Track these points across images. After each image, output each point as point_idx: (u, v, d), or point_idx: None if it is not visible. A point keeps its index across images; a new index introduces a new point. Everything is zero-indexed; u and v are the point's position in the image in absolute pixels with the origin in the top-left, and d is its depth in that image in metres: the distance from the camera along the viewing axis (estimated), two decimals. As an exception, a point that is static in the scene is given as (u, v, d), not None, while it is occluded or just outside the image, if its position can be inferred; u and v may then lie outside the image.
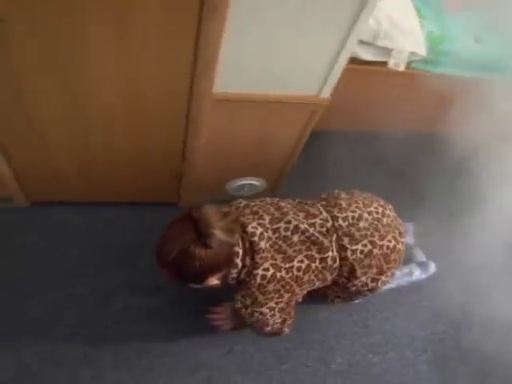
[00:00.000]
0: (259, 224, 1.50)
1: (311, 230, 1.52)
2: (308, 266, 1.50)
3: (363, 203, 1.66)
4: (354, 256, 1.56)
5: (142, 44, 1.44)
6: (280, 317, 1.59)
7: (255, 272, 1.43)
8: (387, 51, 2.18)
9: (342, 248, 1.55)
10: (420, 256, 2.40)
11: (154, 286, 2.09)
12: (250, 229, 1.47)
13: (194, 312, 2.06)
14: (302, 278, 1.50)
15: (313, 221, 1.55)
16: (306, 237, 1.51)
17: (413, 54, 2.24)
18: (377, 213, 1.65)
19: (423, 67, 2.32)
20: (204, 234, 1.25)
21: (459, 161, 2.60)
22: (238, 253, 1.42)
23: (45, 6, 1.27)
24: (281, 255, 1.47)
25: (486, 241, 2.37)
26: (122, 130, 1.78)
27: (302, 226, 1.52)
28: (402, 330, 2.26)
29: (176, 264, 1.31)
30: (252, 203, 1.61)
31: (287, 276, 1.46)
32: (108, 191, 2.18)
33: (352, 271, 1.59)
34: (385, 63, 2.22)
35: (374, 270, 1.62)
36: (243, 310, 1.55)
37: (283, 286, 1.47)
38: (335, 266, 1.56)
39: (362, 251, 1.57)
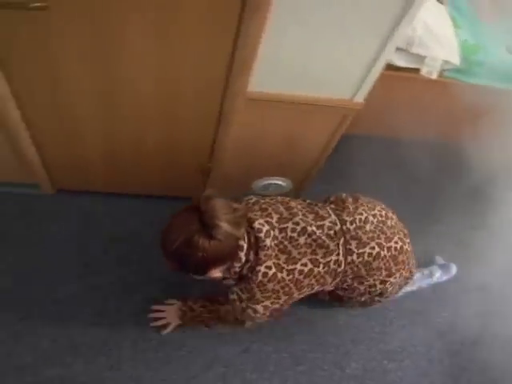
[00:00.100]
0: (266, 222, 1.47)
1: (318, 232, 1.49)
2: (311, 271, 1.47)
3: (367, 206, 1.64)
4: (361, 259, 1.54)
5: (180, 39, 1.43)
6: (268, 316, 1.57)
7: (258, 268, 1.41)
8: (420, 58, 2.16)
9: (348, 252, 1.53)
10: (439, 260, 2.38)
11: (176, 280, 2.09)
12: (256, 225, 1.45)
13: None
14: (302, 282, 1.48)
15: (321, 223, 1.53)
16: (313, 239, 1.48)
17: (446, 62, 2.21)
18: (381, 215, 1.64)
19: (455, 76, 2.30)
20: (209, 225, 1.23)
21: (482, 174, 2.57)
22: (242, 247, 1.39)
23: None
24: (285, 256, 1.44)
25: (506, 253, 2.35)
26: (153, 121, 1.77)
27: (310, 229, 1.49)
28: (418, 339, 2.24)
29: (179, 253, 1.29)
30: (262, 200, 1.59)
31: (288, 278, 1.44)
32: (134, 183, 2.18)
33: (358, 275, 1.58)
34: (417, 70, 2.20)
35: (384, 273, 1.60)
36: (237, 302, 1.52)
37: (282, 288, 1.45)
38: (339, 270, 1.53)
39: (370, 254, 1.55)
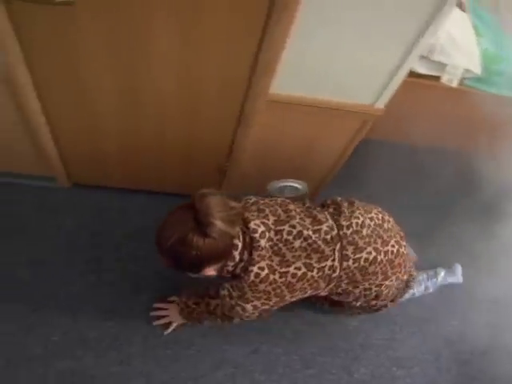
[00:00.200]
0: (262, 223, 1.45)
1: (314, 236, 1.47)
2: (304, 274, 1.44)
3: (364, 210, 1.61)
4: (357, 264, 1.51)
5: (205, 38, 1.43)
6: (258, 315, 1.56)
7: (250, 268, 1.39)
8: (441, 66, 2.14)
9: (344, 258, 1.50)
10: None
11: (186, 278, 2.08)
12: (252, 225, 1.43)
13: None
14: (295, 285, 1.45)
15: (318, 227, 1.50)
16: (308, 244, 1.46)
17: (467, 71, 2.19)
18: (378, 219, 1.61)
19: (475, 85, 2.28)
20: (203, 223, 1.22)
21: (497, 185, 2.55)
22: (237, 246, 1.38)
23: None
24: (278, 258, 1.42)
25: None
26: (174, 120, 1.77)
27: (306, 233, 1.46)
28: (427, 347, 2.22)
29: (173, 251, 1.28)
30: (261, 201, 1.56)
31: (280, 280, 1.42)
32: (150, 180, 2.18)
33: (353, 280, 1.55)
34: (438, 78, 2.19)
35: (380, 277, 1.58)
36: (227, 299, 1.50)
37: (274, 290, 1.43)
38: (334, 275, 1.50)
39: (366, 259, 1.52)
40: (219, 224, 1.23)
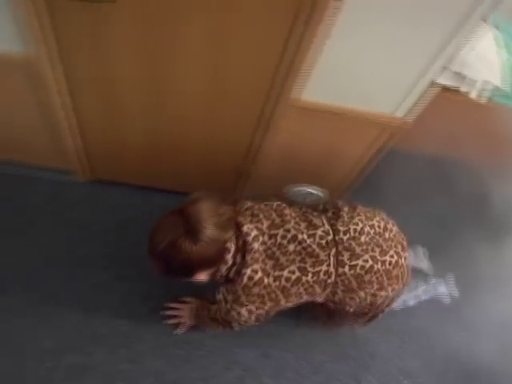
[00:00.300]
0: (256, 227, 1.44)
1: (309, 241, 1.45)
2: (298, 279, 1.43)
3: (365, 216, 1.58)
4: (353, 272, 1.48)
5: (235, 43, 1.43)
6: (253, 320, 1.54)
7: (243, 271, 1.37)
8: (461, 77, 2.12)
9: (340, 263, 1.47)
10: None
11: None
12: (245, 228, 1.42)
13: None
14: (290, 290, 1.43)
15: (313, 232, 1.48)
16: (303, 248, 1.44)
17: (486, 83, 2.17)
18: (379, 227, 1.57)
19: (496, 98, 2.26)
20: (194, 229, 1.21)
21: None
22: (229, 249, 1.37)
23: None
24: (272, 262, 1.41)
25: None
26: (197, 121, 1.76)
27: (300, 237, 1.45)
28: (436, 359, 2.20)
29: (164, 256, 1.27)
30: (256, 206, 1.55)
31: (274, 284, 1.40)
32: (169, 179, 2.17)
33: (349, 288, 1.51)
34: (465, 92, 2.16)
35: (375, 286, 1.54)
36: (223, 303, 1.50)
37: (268, 294, 1.42)
38: (329, 281, 1.48)
39: (362, 267, 1.48)
40: (210, 230, 1.23)
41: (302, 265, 1.43)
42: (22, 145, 2.06)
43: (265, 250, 1.42)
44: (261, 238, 1.42)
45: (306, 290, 1.46)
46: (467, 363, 2.23)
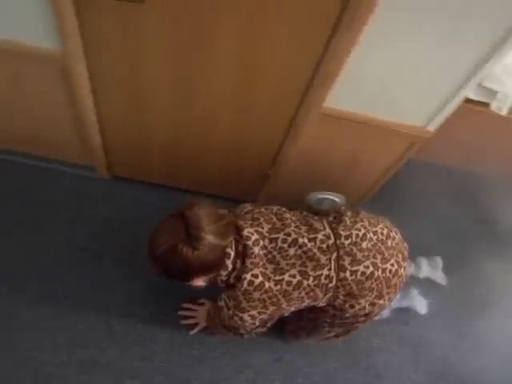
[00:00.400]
0: (256, 231, 1.42)
1: (310, 245, 1.43)
2: (299, 283, 1.40)
3: (369, 222, 1.55)
4: (354, 277, 1.45)
5: (267, 45, 1.42)
6: (259, 326, 1.52)
7: (243, 276, 1.35)
8: (492, 93, 2.11)
9: (341, 268, 1.45)
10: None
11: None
12: (245, 233, 1.40)
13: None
14: (291, 294, 1.41)
15: (314, 236, 1.46)
16: (303, 251, 1.42)
17: (509, 95, 2.17)
18: (382, 234, 1.54)
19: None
20: (193, 236, 1.20)
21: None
22: (229, 254, 1.35)
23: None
24: (272, 266, 1.39)
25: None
26: (222, 123, 1.75)
27: (301, 241, 1.43)
28: (449, 372, 2.18)
29: (163, 259, 1.26)
30: (256, 210, 1.53)
31: (275, 288, 1.38)
32: (190, 179, 2.16)
33: (350, 293, 1.48)
34: (487, 104, 2.16)
35: (374, 294, 1.51)
36: (225, 309, 1.48)
37: (270, 298, 1.39)
38: (330, 285, 1.45)
39: (363, 273, 1.45)
40: (209, 238, 1.21)
41: (303, 269, 1.41)
42: (46, 139, 2.07)
43: (265, 255, 1.40)
44: (261, 242, 1.41)
45: (307, 293, 1.44)
46: (479, 377, 2.21)
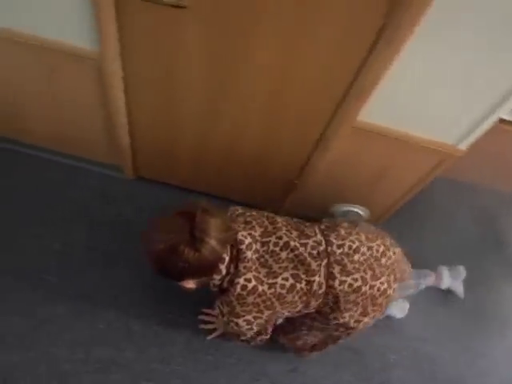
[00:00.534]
0: (249, 234, 1.41)
1: (301, 249, 1.42)
2: (292, 286, 1.39)
3: (365, 237, 1.53)
4: (342, 287, 1.43)
5: (303, 59, 1.41)
6: (259, 332, 1.51)
7: (236, 280, 1.34)
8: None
9: (330, 276, 1.43)
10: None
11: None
12: (239, 236, 1.39)
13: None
14: (285, 297, 1.40)
15: (305, 241, 1.44)
16: (295, 255, 1.41)
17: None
18: (377, 251, 1.52)
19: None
20: (198, 239, 1.20)
21: None
22: (224, 259, 1.34)
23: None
24: (265, 269, 1.38)
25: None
26: (253, 129, 1.75)
27: (293, 244, 1.42)
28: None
29: (161, 255, 1.24)
30: (248, 213, 1.52)
31: (269, 291, 1.37)
32: (214, 184, 2.15)
33: (336, 302, 1.46)
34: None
35: (359, 310, 1.49)
36: (220, 316, 1.47)
37: (264, 302, 1.38)
38: (320, 292, 1.44)
39: (350, 285, 1.43)
40: (213, 243, 1.22)
41: (295, 272, 1.40)
42: (75, 137, 2.07)
43: (258, 258, 1.39)
44: (254, 246, 1.40)
45: (300, 297, 1.43)
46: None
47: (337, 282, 1.43)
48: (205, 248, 1.21)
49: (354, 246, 1.48)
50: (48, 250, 2.05)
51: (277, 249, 1.42)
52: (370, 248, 1.50)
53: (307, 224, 1.55)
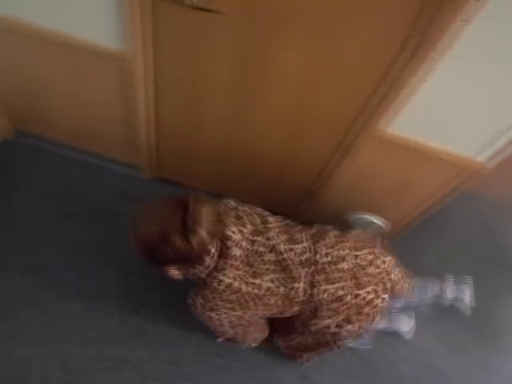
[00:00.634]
0: (239, 230, 1.40)
1: (287, 254, 1.41)
2: (271, 289, 1.38)
3: (354, 245, 1.51)
4: (323, 296, 1.42)
5: (330, 67, 1.42)
6: (232, 330, 1.50)
7: (215, 274, 1.34)
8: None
9: (313, 284, 1.42)
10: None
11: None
12: (228, 232, 1.38)
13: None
14: (261, 299, 1.39)
15: (292, 246, 1.44)
16: (281, 259, 1.40)
17: None
18: (365, 259, 1.50)
19: None
20: (189, 228, 1.20)
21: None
22: (210, 251, 1.33)
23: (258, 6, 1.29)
24: (248, 268, 1.37)
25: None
26: (276, 135, 1.74)
27: (280, 247, 1.41)
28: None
29: (150, 240, 1.25)
30: (241, 208, 1.51)
31: (246, 290, 1.36)
32: (234, 188, 2.15)
33: (316, 310, 1.45)
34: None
35: (341, 317, 1.47)
36: (193, 308, 1.46)
37: (238, 299, 1.37)
38: (300, 299, 1.43)
39: (333, 293, 1.42)
40: (203, 234, 1.22)
41: (278, 275, 1.39)
42: (97, 135, 2.08)
43: (243, 256, 1.39)
44: (241, 243, 1.39)
45: (276, 301, 1.42)
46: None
47: (319, 291, 1.42)
48: (194, 238, 1.21)
49: (341, 255, 1.47)
50: (63, 247, 2.06)
51: (264, 249, 1.41)
52: (356, 256, 1.49)
53: (298, 228, 1.54)
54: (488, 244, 2.52)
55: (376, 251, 1.55)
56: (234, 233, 1.39)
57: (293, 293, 1.41)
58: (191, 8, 1.30)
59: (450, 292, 2.12)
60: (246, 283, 1.36)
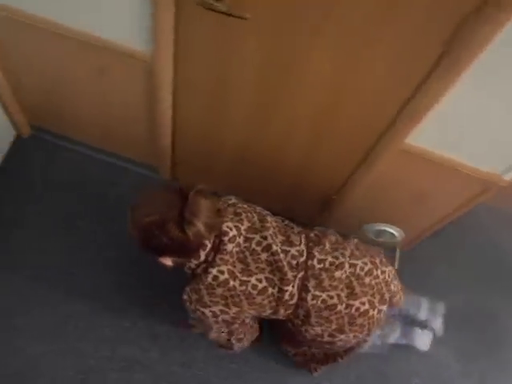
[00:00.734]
0: (235, 226, 1.39)
1: (281, 255, 1.39)
2: (264, 289, 1.37)
3: (351, 253, 1.48)
4: (314, 302, 1.40)
5: (357, 76, 1.38)
6: (225, 329, 1.50)
7: (210, 270, 1.33)
8: None
9: (304, 288, 1.40)
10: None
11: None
12: (224, 227, 1.37)
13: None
14: (255, 298, 1.38)
15: (287, 248, 1.42)
16: (274, 260, 1.38)
17: None
18: (361, 269, 1.46)
19: None
20: (186, 220, 1.19)
21: None
22: (205, 246, 1.32)
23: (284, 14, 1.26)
24: (242, 265, 1.36)
25: None
26: (298, 141, 1.72)
27: (275, 248, 1.39)
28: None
29: (147, 228, 1.24)
30: (239, 204, 1.50)
31: (240, 288, 1.35)
32: (251, 193, 2.14)
33: (307, 316, 1.44)
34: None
35: (333, 326, 1.45)
36: (187, 303, 1.45)
37: (232, 297, 1.36)
38: (291, 302, 1.41)
39: (324, 301, 1.40)
40: (200, 227, 1.21)
41: (271, 276, 1.39)
42: (116, 135, 2.08)
43: (237, 253, 1.38)
44: (237, 240, 1.38)
45: (269, 302, 1.42)
46: None
47: (310, 296, 1.41)
48: (191, 230, 1.20)
49: (337, 262, 1.44)
50: (77, 246, 2.06)
51: (258, 248, 1.40)
52: (352, 265, 1.46)
53: (295, 230, 1.53)
54: (500, 256, 2.46)
55: (376, 260, 1.53)
56: (230, 228, 1.38)
57: (286, 295, 1.40)
58: (214, 12, 1.28)
59: (423, 312, 2.04)
60: (240, 281, 1.36)
